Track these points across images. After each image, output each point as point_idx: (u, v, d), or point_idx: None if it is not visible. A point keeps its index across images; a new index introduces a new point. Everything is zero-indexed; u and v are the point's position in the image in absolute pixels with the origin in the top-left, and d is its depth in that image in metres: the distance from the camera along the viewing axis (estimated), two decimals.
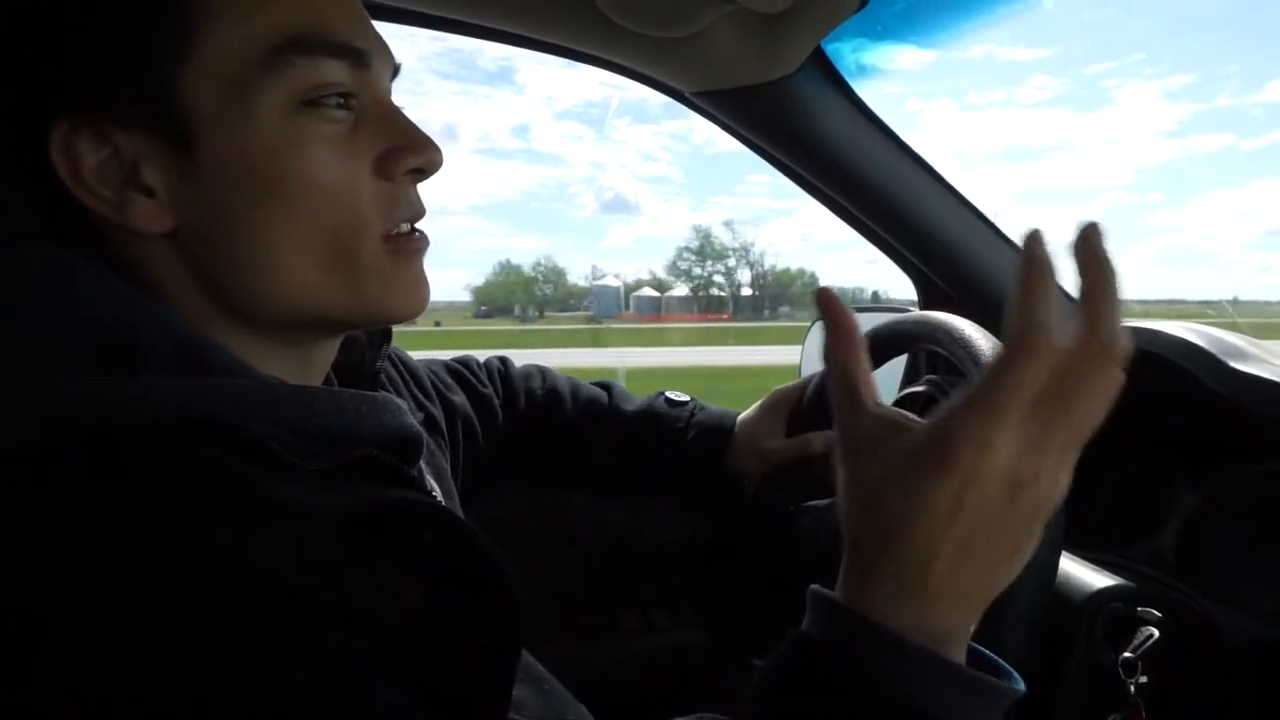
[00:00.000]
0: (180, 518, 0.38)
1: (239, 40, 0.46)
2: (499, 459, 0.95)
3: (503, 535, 1.08)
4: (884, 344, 0.87)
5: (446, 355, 1.00)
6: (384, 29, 0.55)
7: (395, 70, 0.55)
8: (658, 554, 1.22)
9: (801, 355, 1.41)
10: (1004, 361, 0.38)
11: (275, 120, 0.47)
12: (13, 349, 0.42)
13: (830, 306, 0.45)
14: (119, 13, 0.45)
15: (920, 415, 1.04)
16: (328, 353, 0.58)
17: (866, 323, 0.90)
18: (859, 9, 0.94)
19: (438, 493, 0.70)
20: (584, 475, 1.01)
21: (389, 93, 0.55)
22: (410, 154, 0.52)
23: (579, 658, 1.15)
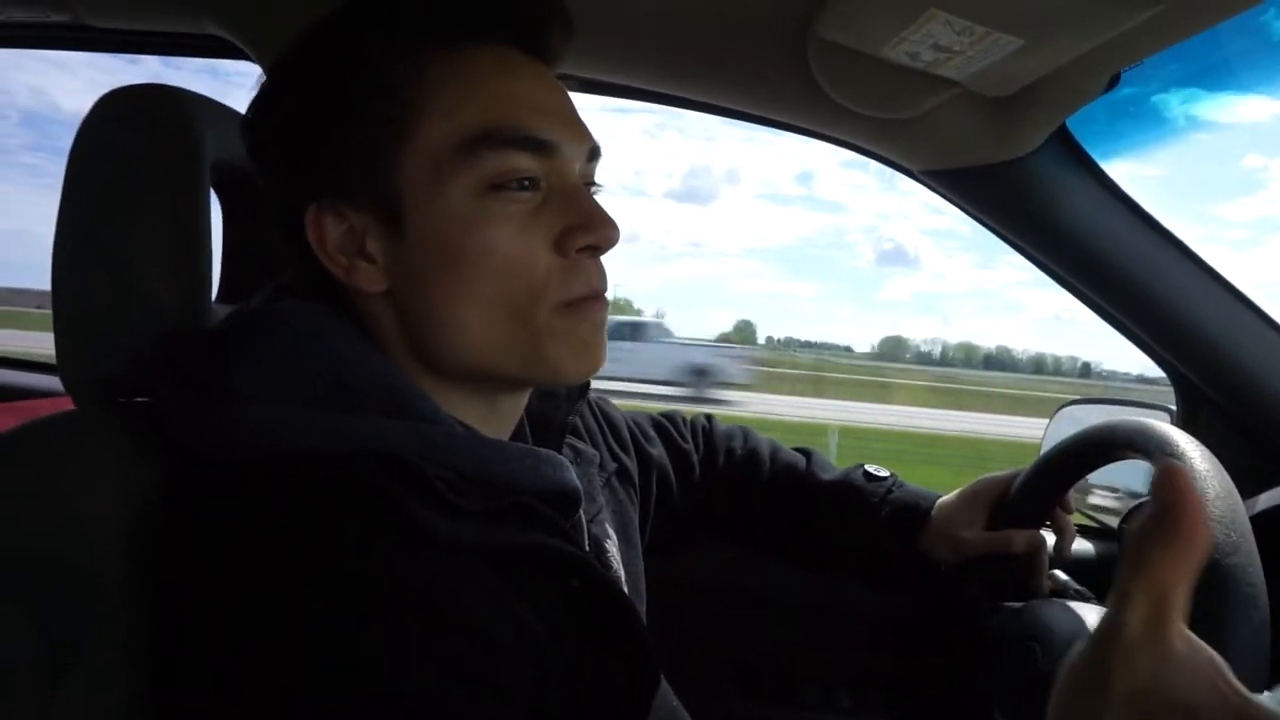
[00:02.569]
0: (345, 533, 0.47)
1: (440, 135, 0.55)
2: (693, 513, 0.98)
3: (692, 585, 1.13)
4: (1092, 447, 0.80)
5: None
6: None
7: (593, 152, 0.61)
8: (849, 628, 1.19)
9: (1045, 433, 1.31)
10: None
11: (465, 201, 0.55)
12: (261, 380, 0.54)
13: (1179, 490, 0.33)
14: (354, 117, 0.56)
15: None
16: (515, 404, 0.65)
17: (1094, 416, 0.84)
18: (1108, 90, 0.89)
19: (613, 540, 0.75)
20: (774, 539, 1.03)
21: (588, 174, 0.62)
22: (583, 232, 0.58)
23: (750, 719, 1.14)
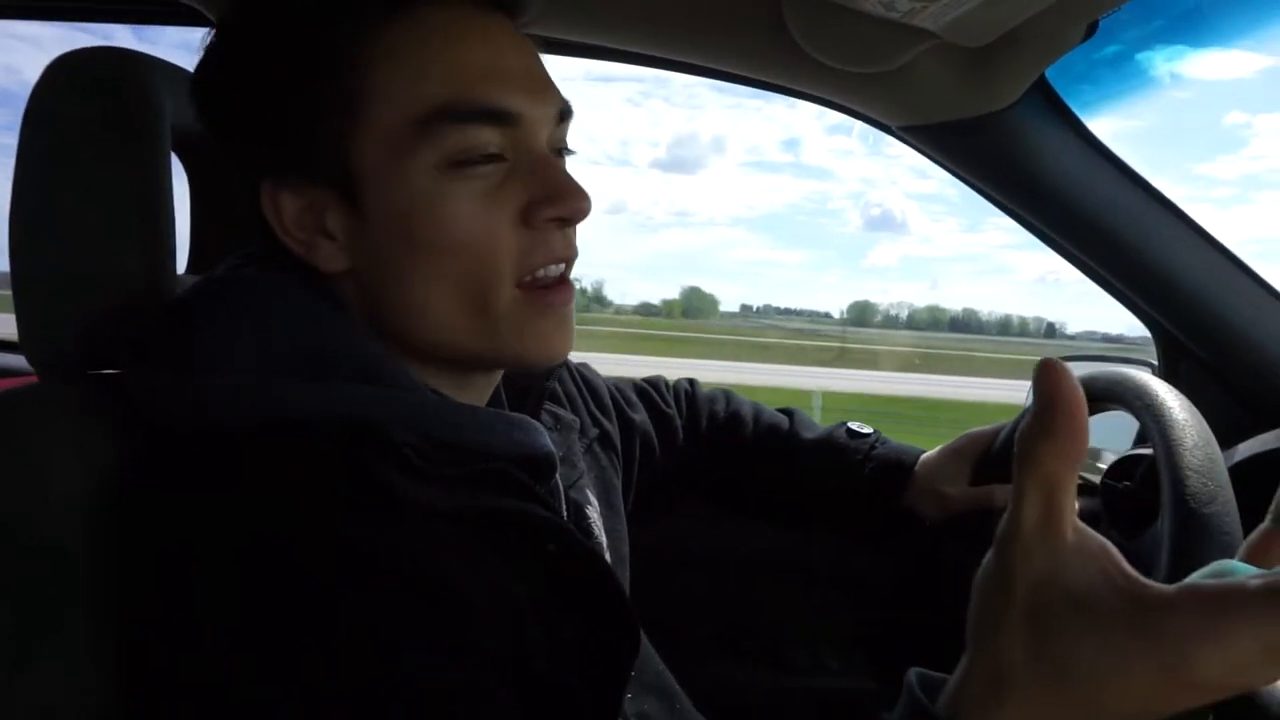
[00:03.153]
0: (317, 499, 0.47)
1: (395, 112, 0.53)
2: (677, 477, 0.98)
3: (676, 549, 1.13)
4: None
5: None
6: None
7: (563, 113, 0.58)
8: (835, 591, 1.19)
9: (1028, 395, 1.31)
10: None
11: (425, 180, 0.53)
12: (228, 350, 0.53)
13: (1056, 385, 0.34)
14: (304, 92, 0.53)
15: (1135, 482, 0.94)
16: (485, 380, 0.64)
17: (1078, 373, 0.83)
18: (1086, 38, 0.88)
19: (594, 505, 0.74)
20: (758, 500, 1.03)
21: (558, 139, 0.59)
22: (550, 204, 0.55)
23: (737, 683, 1.15)
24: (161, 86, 0.63)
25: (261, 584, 0.44)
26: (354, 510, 0.47)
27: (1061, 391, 0.34)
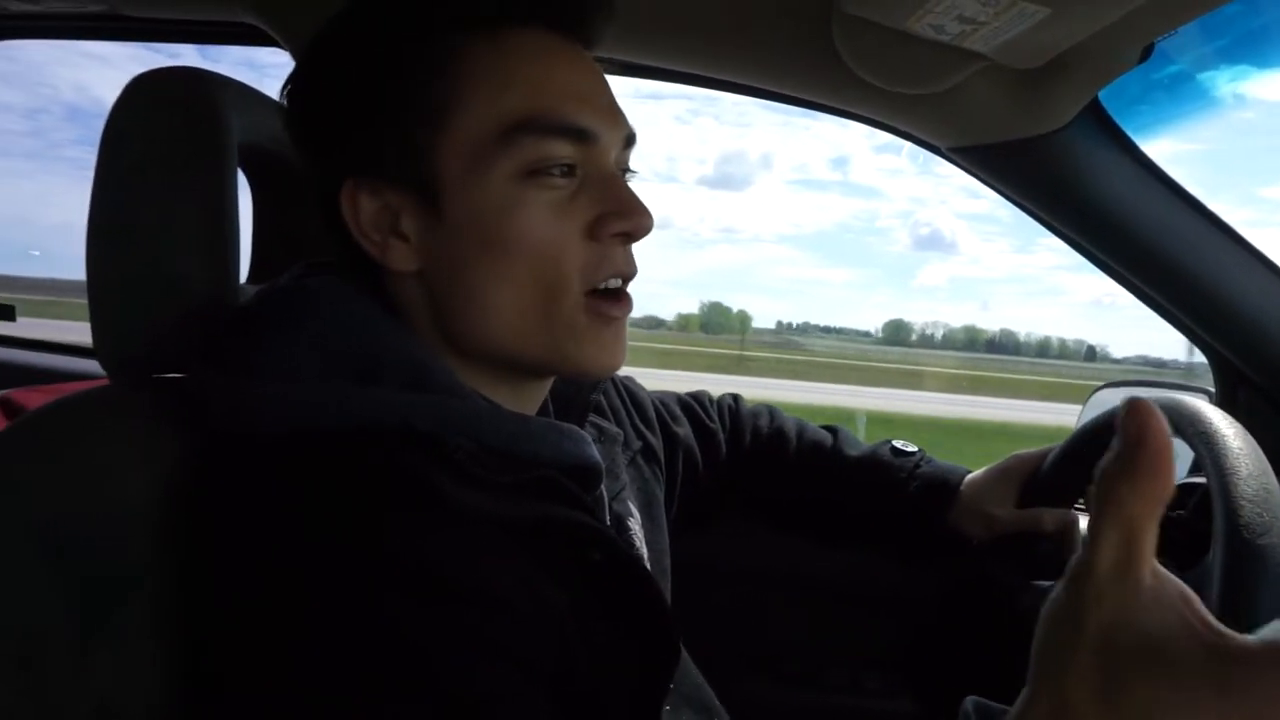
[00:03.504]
0: (365, 504, 0.48)
1: (481, 121, 0.56)
2: (720, 492, 0.98)
3: (716, 565, 1.13)
4: (1114, 432, 0.79)
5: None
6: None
7: (629, 139, 0.62)
8: (876, 611, 1.18)
9: (1080, 415, 1.29)
10: None
11: (503, 187, 0.56)
12: (289, 356, 0.55)
13: (1144, 424, 0.33)
14: (393, 98, 0.56)
15: (1189, 511, 0.92)
16: (539, 388, 0.66)
17: (1121, 398, 0.82)
18: (1141, 61, 0.87)
19: (635, 518, 0.75)
20: (801, 516, 1.02)
21: (623, 161, 0.62)
22: (617, 219, 0.58)
23: (775, 702, 1.14)
24: (230, 104, 0.66)
25: (309, 587, 0.46)
26: (402, 516, 0.48)
27: (1150, 431, 0.32)
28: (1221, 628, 0.32)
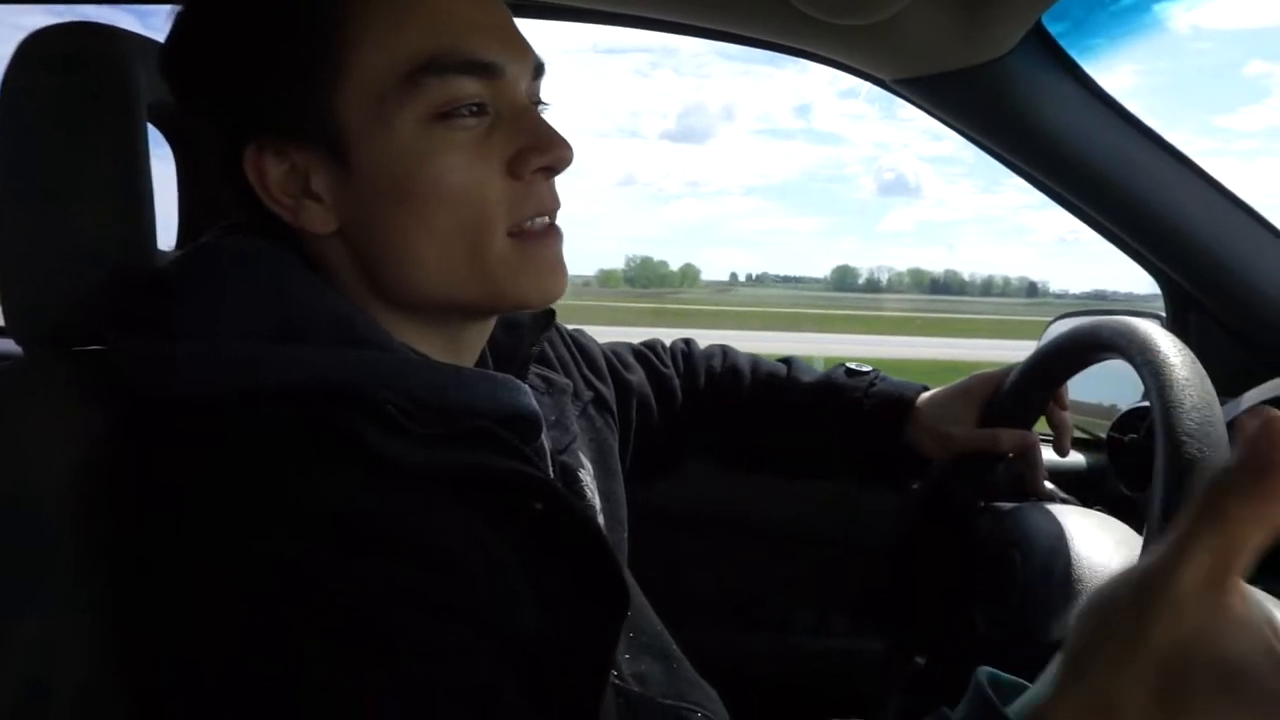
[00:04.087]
0: (293, 463, 0.47)
1: (379, 65, 0.53)
2: (677, 437, 0.97)
3: (682, 513, 1.13)
4: (1070, 354, 0.79)
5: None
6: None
7: (538, 69, 0.59)
8: (843, 554, 1.19)
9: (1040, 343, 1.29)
10: None
11: (412, 132, 0.53)
12: (209, 316, 0.53)
13: (1273, 440, 0.29)
14: (284, 52, 0.53)
15: (1141, 435, 0.93)
16: (477, 335, 0.64)
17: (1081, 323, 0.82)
18: None
19: (587, 469, 0.74)
20: (761, 451, 1.01)
21: (534, 93, 0.60)
22: (537, 154, 0.56)
23: (744, 646, 1.16)
24: (136, 60, 0.62)
25: (240, 552, 0.45)
26: (330, 472, 0.47)
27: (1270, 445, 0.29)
28: None
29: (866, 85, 1.08)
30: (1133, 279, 1.17)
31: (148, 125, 0.64)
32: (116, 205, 0.61)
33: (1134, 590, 0.33)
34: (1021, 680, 0.38)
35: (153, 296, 0.55)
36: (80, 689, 0.51)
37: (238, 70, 0.55)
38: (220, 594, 0.45)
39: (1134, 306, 1.22)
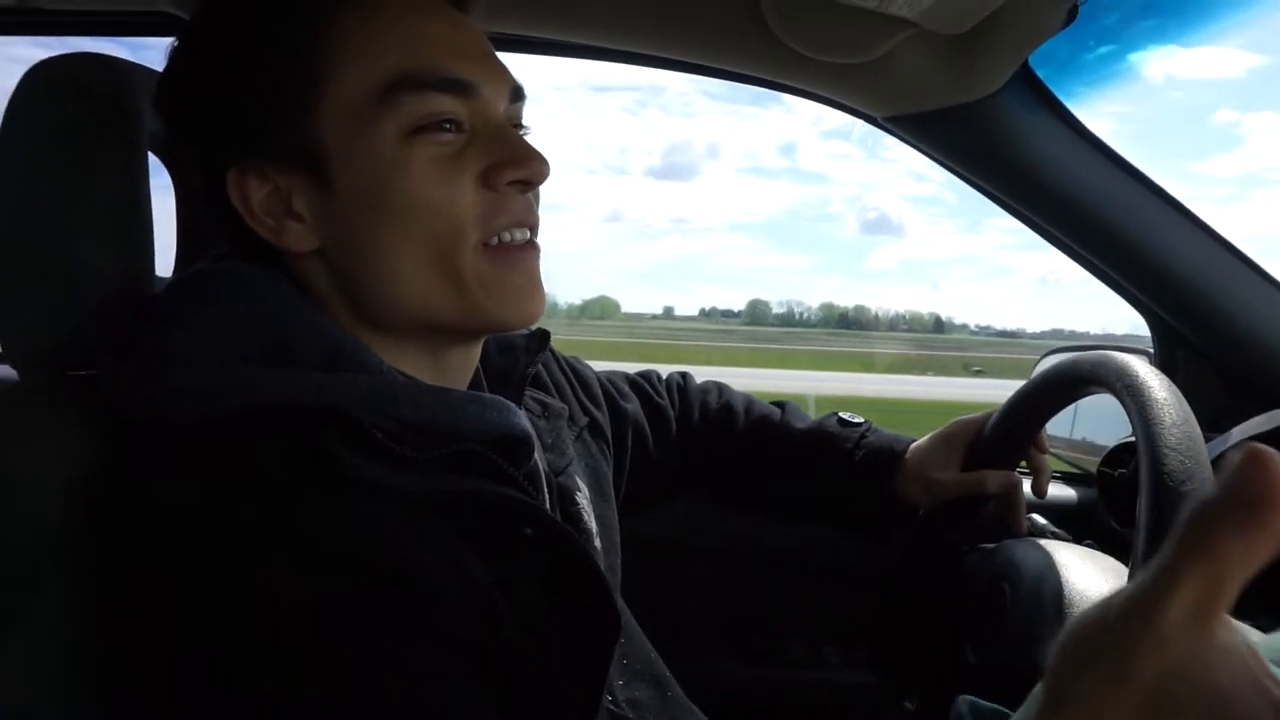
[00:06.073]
0: (286, 492, 0.47)
1: (357, 84, 0.54)
2: (671, 469, 0.98)
3: (677, 542, 1.12)
4: (1055, 388, 0.79)
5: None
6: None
7: (516, 93, 0.61)
8: (836, 585, 1.19)
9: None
10: None
11: (389, 147, 0.54)
12: (198, 340, 0.53)
13: (1268, 476, 0.28)
14: (264, 76, 0.55)
15: (1130, 470, 0.93)
16: (463, 358, 0.64)
17: (1067, 359, 0.83)
18: (1066, 24, 0.88)
19: (583, 492, 0.74)
20: (752, 490, 1.02)
21: (515, 115, 0.61)
22: (512, 167, 0.57)
23: (739, 680, 1.15)
24: (138, 90, 0.63)
25: (223, 576, 0.45)
26: (313, 496, 0.47)
27: (1276, 483, 0.28)
28: None
29: (858, 124, 1.10)
30: (1118, 318, 1.19)
31: (149, 154, 0.65)
32: (117, 233, 0.61)
33: (1119, 620, 0.32)
34: (1003, 709, 0.38)
35: (144, 323, 0.56)
36: (66, 714, 0.51)
37: (219, 94, 0.56)
38: (200, 619, 0.45)
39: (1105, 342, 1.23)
